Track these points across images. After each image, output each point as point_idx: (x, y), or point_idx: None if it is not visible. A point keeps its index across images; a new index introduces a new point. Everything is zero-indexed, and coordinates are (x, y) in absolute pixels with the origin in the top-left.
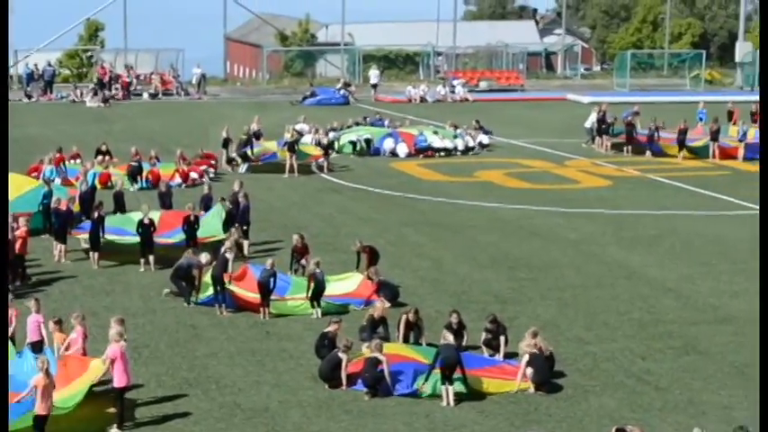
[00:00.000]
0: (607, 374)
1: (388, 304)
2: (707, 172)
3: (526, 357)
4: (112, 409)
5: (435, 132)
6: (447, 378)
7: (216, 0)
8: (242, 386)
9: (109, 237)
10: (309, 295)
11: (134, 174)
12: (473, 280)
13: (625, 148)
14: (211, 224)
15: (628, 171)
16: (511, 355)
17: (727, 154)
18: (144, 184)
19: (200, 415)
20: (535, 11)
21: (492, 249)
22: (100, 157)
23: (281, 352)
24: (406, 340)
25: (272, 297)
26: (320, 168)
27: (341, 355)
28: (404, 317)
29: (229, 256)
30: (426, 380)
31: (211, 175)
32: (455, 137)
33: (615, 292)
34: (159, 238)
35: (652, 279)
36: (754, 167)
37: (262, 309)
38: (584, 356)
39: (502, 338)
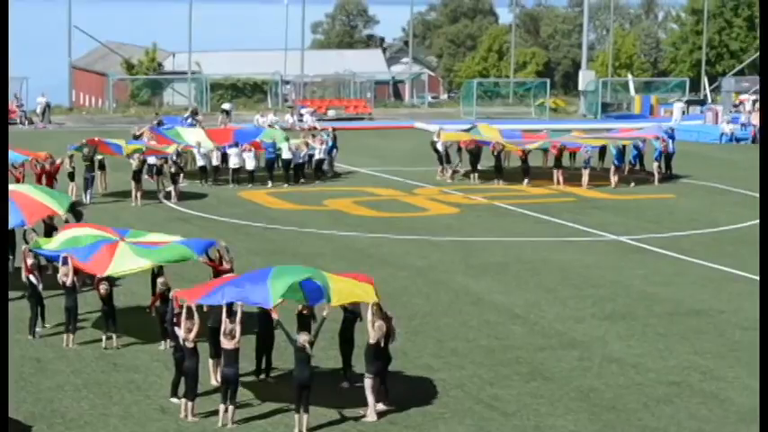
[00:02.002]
0: (456, 401)
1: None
2: (551, 199)
3: (372, 340)
4: None
5: (287, 139)
6: (302, 402)
7: (60, 28)
8: (88, 419)
9: None
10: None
11: None
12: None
13: (472, 176)
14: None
15: (475, 199)
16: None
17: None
18: None
19: None
20: (382, 40)
21: None
22: None
23: (129, 383)
24: None
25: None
26: (167, 197)
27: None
28: None
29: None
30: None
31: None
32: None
33: (463, 319)
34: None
35: (499, 305)
36: (598, 194)
37: (105, 336)
38: (433, 384)
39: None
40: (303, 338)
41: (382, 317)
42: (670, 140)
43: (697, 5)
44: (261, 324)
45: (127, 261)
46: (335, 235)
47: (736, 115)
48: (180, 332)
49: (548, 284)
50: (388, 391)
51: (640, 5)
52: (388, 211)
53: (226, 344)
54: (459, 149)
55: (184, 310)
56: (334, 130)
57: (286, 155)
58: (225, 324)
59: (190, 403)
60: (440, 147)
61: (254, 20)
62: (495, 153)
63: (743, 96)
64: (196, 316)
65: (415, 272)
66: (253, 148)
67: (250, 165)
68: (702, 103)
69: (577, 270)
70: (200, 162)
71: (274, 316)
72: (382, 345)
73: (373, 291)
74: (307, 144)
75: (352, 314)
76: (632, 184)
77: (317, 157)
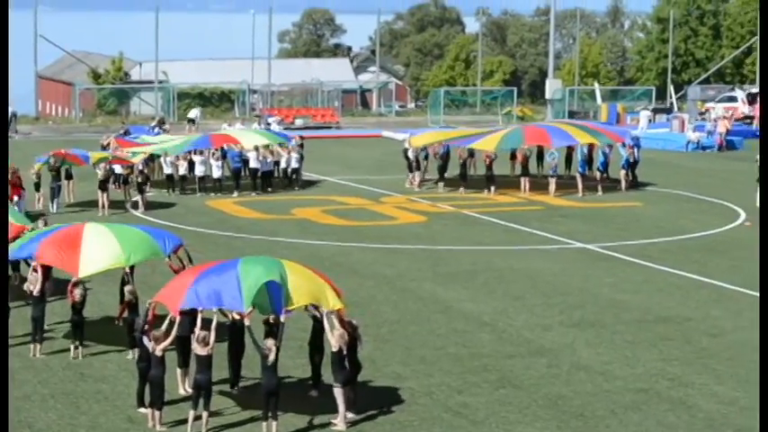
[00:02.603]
0: (424, 409)
1: None
2: (519, 207)
3: (335, 348)
4: None
5: (256, 148)
6: (270, 410)
7: (26, 37)
8: (57, 429)
9: None
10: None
11: None
12: (289, 317)
13: (439, 184)
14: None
15: (443, 207)
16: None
17: (537, 135)
18: None
19: None
20: (350, 49)
21: None
22: None
23: (97, 393)
24: None
25: None
26: (135, 207)
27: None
28: None
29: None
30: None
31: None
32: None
33: (431, 327)
34: None
35: (468, 313)
36: (566, 202)
37: (73, 346)
38: (401, 392)
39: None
40: (269, 344)
41: (344, 325)
42: (635, 148)
43: (663, 14)
44: (230, 333)
45: (96, 249)
46: (303, 244)
47: (703, 123)
48: (149, 342)
49: (516, 292)
50: (356, 400)
51: (606, 14)
52: (356, 220)
53: (199, 350)
54: (426, 157)
55: (166, 323)
56: (302, 138)
57: (253, 163)
58: (198, 330)
59: (157, 413)
60: (410, 154)
61: (221, 29)
62: (462, 161)
63: (709, 105)
64: (175, 328)
65: (382, 280)
66: (221, 158)
67: (216, 173)
68: (669, 111)
69: (545, 278)
70: (167, 170)
71: (247, 322)
72: (345, 352)
73: (336, 298)
74: (272, 152)
75: (320, 323)
76: (599, 192)
77: (283, 165)
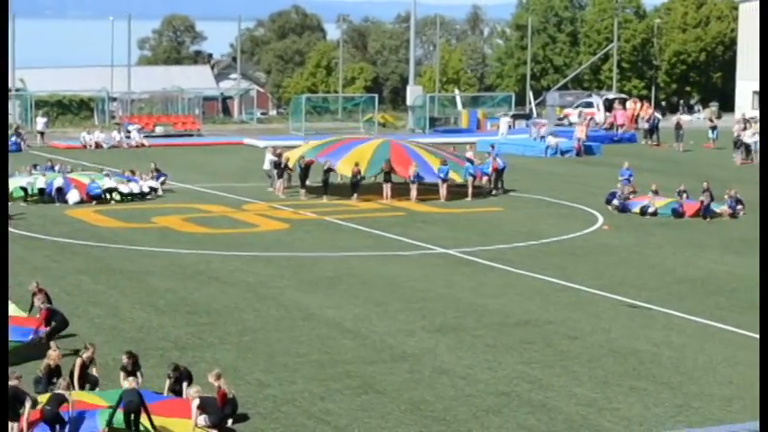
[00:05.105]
0: (287, 417)
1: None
2: (381, 213)
3: (196, 402)
4: None
5: (107, 175)
6: (132, 423)
7: None
8: None
9: None
10: None
11: None
12: (151, 326)
13: (301, 191)
14: None
15: (305, 214)
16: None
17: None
18: None
19: None
20: (210, 56)
21: (170, 295)
22: None
23: None
24: (82, 385)
25: None
26: None
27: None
28: (78, 360)
29: None
30: (109, 422)
31: None
32: (129, 181)
33: (294, 335)
34: None
35: (330, 320)
36: (427, 208)
37: None
38: (264, 400)
39: (185, 384)
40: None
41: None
42: (496, 157)
43: (521, 21)
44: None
45: None
46: (164, 252)
47: (571, 129)
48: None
49: (378, 298)
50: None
51: (466, 21)
52: (218, 228)
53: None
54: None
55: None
56: (158, 170)
57: (109, 184)
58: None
59: (16, 424)
60: (269, 162)
61: (80, 36)
62: (326, 168)
63: (567, 110)
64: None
65: (245, 288)
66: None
67: (73, 199)
68: (528, 117)
69: (407, 283)
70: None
71: None
72: (213, 397)
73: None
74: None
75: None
76: (469, 198)
77: (145, 190)
